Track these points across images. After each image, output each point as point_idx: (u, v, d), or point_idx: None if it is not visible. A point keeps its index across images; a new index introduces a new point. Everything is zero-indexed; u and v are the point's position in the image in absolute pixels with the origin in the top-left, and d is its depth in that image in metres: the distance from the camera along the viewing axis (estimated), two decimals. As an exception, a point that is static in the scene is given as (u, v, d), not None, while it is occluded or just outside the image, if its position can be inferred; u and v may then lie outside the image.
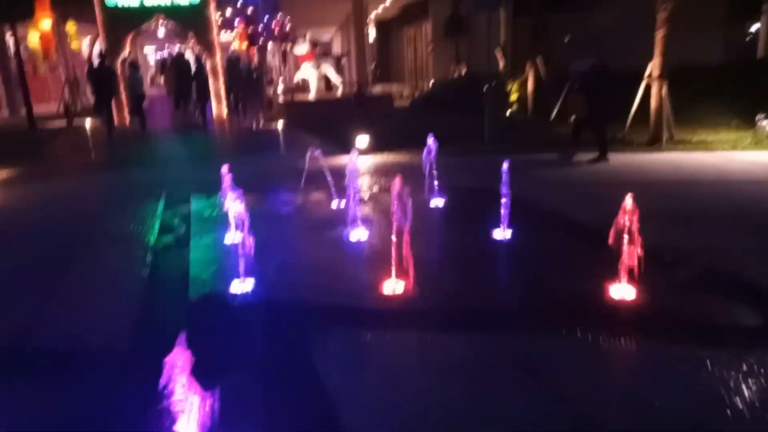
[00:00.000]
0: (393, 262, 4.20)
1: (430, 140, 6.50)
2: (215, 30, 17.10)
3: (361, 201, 6.55)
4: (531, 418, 2.69)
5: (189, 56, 18.39)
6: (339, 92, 16.97)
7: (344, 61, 23.45)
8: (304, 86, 17.78)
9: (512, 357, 3.24)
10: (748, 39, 18.19)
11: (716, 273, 4.35)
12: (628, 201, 3.81)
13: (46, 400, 3.00)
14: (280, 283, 4.44)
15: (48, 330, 3.87)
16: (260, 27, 25.47)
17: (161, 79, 16.83)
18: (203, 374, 2.18)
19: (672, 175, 7.73)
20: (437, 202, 6.60)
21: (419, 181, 6.70)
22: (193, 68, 16.39)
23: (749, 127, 10.29)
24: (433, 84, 20.15)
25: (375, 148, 10.18)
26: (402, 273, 4.19)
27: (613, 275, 3.94)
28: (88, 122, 13.48)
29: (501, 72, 15.44)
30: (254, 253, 4.24)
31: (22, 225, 6.62)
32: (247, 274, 4.37)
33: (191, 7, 16.49)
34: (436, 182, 6.60)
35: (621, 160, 8.86)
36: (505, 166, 5.14)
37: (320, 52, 17.34)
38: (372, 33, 31.23)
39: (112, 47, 16.21)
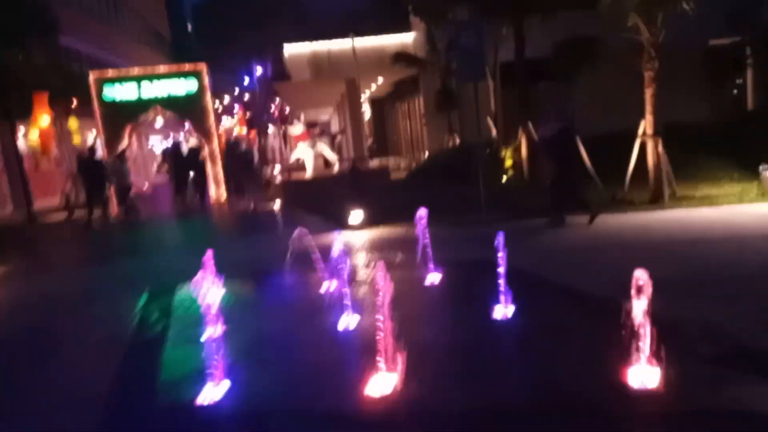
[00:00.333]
0: (381, 357, 3.78)
1: (421, 213, 6.22)
2: (212, 117, 17.38)
3: (351, 283, 6.18)
4: None
5: (191, 142, 18.62)
6: (335, 169, 17.02)
7: (339, 138, 23.78)
8: (302, 165, 17.88)
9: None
10: (734, 92, 18.38)
11: (748, 348, 3.89)
12: (641, 275, 3.41)
13: None
14: (257, 386, 4.01)
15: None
16: (260, 111, 26.11)
17: (165, 168, 17.15)
18: None
19: (680, 235, 7.37)
20: (433, 278, 6.23)
21: (413, 257, 6.40)
22: (191, 154, 16.54)
23: (752, 179, 10.02)
24: (428, 155, 20.24)
25: (370, 222, 9.92)
26: (391, 367, 3.77)
27: (629, 357, 3.51)
28: (95, 214, 13.48)
29: (494, 139, 15.45)
30: (233, 350, 3.86)
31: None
32: (222, 376, 3.96)
33: (187, 96, 16.84)
34: (430, 257, 6.26)
35: (624, 220, 8.55)
36: (500, 238, 4.81)
37: (318, 132, 17.56)
38: (367, 111, 32.00)
39: (111, 139, 16.44)
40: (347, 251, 6.98)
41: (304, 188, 15.25)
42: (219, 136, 18.33)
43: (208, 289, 4.56)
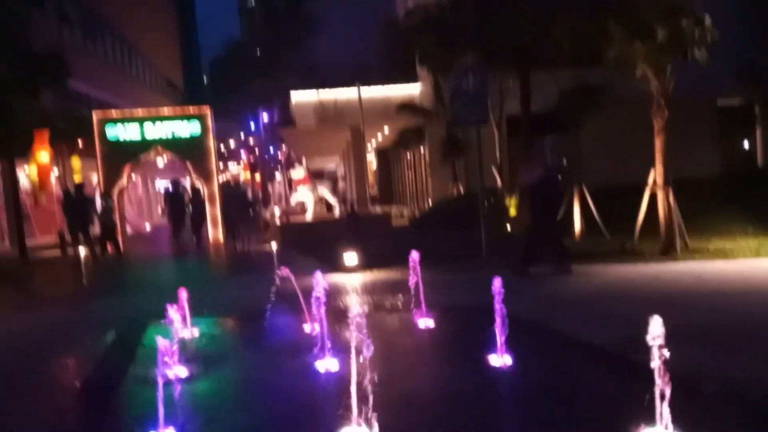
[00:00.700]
0: (358, 407, 3.25)
1: (414, 256, 5.78)
2: (213, 159, 17.24)
3: (336, 325, 5.67)
4: None
5: (190, 183, 18.47)
6: (336, 213, 16.72)
7: (343, 186, 23.59)
8: (303, 209, 17.62)
9: None
10: (745, 149, 18.20)
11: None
12: (656, 325, 2.91)
13: None
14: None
15: None
16: (266, 157, 26.12)
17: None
18: None
19: (696, 287, 6.84)
20: (426, 323, 5.71)
21: (407, 300, 5.94)
22: (190, 195, 16.33)
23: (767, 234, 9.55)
24: (431, 204, 19.93)
25: (366, 265, 9.45)
26: (368, 419, 3.24)
27: (644, 416, 2.97)
28: (82, 251, 13.05)
29: (499, 188, 15.15)
30: (191, 395, 3.35)
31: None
32: (170, 423, 3.43)
33: (190, 138, 16.76)
34: (423, 301, 5.77)
35: (634, 270, 8.04)
36: (497, 283, 4.32)
37: (326, 178, 17.37)
38: (373, 161, 32.02)
39: (109, 178, 16.26)
40: (337, 293, 6.54)
41: (302, 231, 14.90)
42: (220, 179, 18.13)
43: (176, 330, 4.12)
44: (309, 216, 16.28)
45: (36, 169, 17.14)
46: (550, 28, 11.04)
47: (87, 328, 6.72)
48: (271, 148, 29.22)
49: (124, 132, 16.34)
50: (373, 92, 19.89)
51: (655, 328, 2.89)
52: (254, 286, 8.92)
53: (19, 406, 4.31)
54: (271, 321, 6.22)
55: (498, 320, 4.34)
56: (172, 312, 4.43)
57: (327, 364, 4.53)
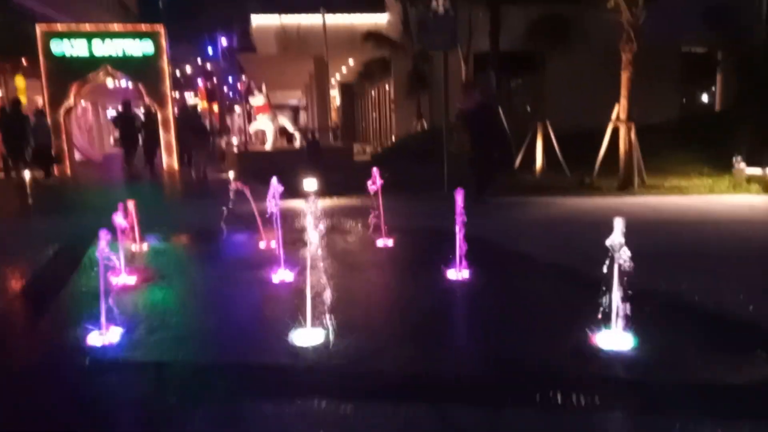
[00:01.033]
0: (311, 308, 3.15)
1: (374, 171, 5.63)
2: (168, 82, 16.35)
3: (293, 243, 5.52)
4: None
5: (140, 112, 17.57)
6: (297, 144, 16.25)
7: (303, 114, 22.94)
8: (263, 140, 17.06)
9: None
10: (704, 96, 18.47)
11: (723, 318, 3.41)
12: (618, 225, 2.90)
13: None
14: (157, 335, 3.32)
15: None
16: (224, 87, 25.06)
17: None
18: None
19: (651, 217, 6.93)
20: (385, 242, 5.62)
21: (366, 224, 5.85)
22: (142, 120, 15.56)
23: (722, 174, 9.75)
24: (395, 140, 19.67)
25: (325, 193, 9.25)
26: (322, 319, 3.14)
27: (596, 321, 2.97)
28: (27, 173, 12.32)
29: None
30: (141, 299, 3.17)
31: None
32: (113, 322, 3.25)
33: (144, 58, 15.78)
34: (383, 222, 5.66)
35: (592, 203, 8.11)
36: (458, 203, 4.22)
37: (287, 109, 16.71)
38: (337, 97, 31.19)
39: (55, 97, 15.30)
40: (294, 215, 6.37)
41: (260, 159, 14.42)
42: (175, 103, 17.29)
43: (124, 243, 3.87)
44: (269, 146, 15.79)
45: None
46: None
47: (27, 241, 6.37)
48: (230, 78, 28.05)
49: (71, 48, 15.25)
50: (338, 20, 19.11)
51: (612, 240, 2.89)
52: (207, 210, 8.64)
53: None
54: (225, 239, 6.03)
55: (457, 239, 4.27)
56: (120, 221, 4.18)
57: (282, 276, 4.41)
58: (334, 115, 27.29)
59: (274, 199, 4.31)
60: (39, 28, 15.45)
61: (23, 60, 19.69)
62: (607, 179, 9.56)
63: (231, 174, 11.02)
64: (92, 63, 15.43)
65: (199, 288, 4.40)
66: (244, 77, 25.54)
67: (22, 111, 13.17)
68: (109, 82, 16.30)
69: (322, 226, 3.25)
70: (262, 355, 2.97)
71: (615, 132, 9.51)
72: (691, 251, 5.07)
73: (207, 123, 17.58)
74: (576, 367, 2.74)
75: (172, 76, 17.46)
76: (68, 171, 15.69)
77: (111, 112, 36.01)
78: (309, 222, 3.22)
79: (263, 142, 17.10)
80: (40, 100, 22.06)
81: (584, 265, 4.43)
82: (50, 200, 11.07)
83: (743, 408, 2.33)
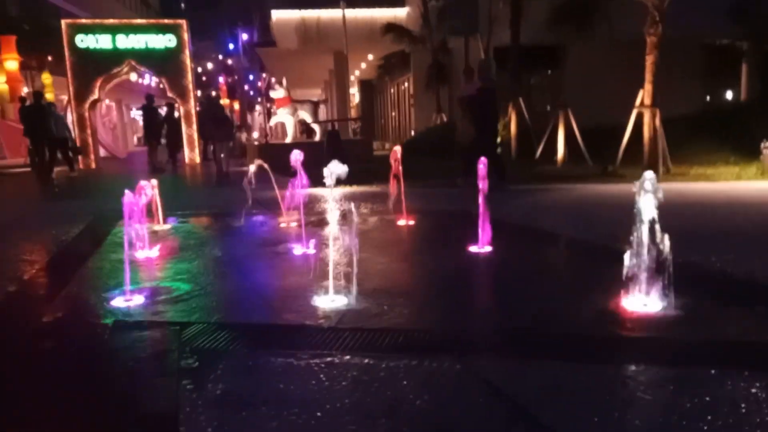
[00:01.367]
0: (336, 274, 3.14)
1: (397, 149, 5.62)
2: (189, 75, 16.54)
3: (315, 223, 5.53)
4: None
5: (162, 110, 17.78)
6: (317, 138, 16.29)
7: (322, 108, 22.98)
8: (283, 133, 17.16)
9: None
10: (729, 89, 18.14)
11: (756, 286, 3.32)
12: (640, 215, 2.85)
13: None
14: (179, 299, 3.34)
15: None
16: (245, 86, 25.23)
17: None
18: None
19: (677, 200, 6.78)
20: (406, 221, 5.60)
21: (386, 207, 5.91)
22: (164, 114, 15.75)
23: (749, 162, 9.54)
24: (414, 134, 19.63)
25: (345, 182, 9.26)
26: (347, 285, 3.13)
27: (623, 286, 2.91)
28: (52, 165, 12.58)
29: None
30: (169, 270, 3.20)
31: None
32: (138, 288, 3.29)
33: (166, 51, 16.00)
34: (403, 206, 5.64)
35: (615, 188, 7.99)
36: (481, 171, 4.19)
37: (311, 109, 16.74)
38: (356, 94, 31.23)
39: (80, 91, 15.58)
40: (315, 200, 6.40)
41: (280, 151, 14.49)
42: (197, 99, 17.45)
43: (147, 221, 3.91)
44: (289, 139, 15.86)
45: (4, 78, 16.28)
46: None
47: (53, 221, 6.48)
48: (251, 76, 28.26)
49: (95, 42, 15.51)
50: (358, 14, 19.12)
51: (640, 216, 2.85)
52: (228, 196, 8.73)
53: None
54: (247, 218, 6.07)
55: (479, 218, 4.22)
56: (143, 200, 4.25)
57: (304, 250, 4.41)
58: (353, 113, 27.33)
59: (296, 168, 4.33)
60: (64, 23, 15.75)
61: (49, 57, 20.11)
62: (631, 167, 9.40)
63: (251, 167, 11.15)
64: (116, 57, 15.68)
65: (221, 260, 4.42)
66: (264, 74, 25.71)
67: (44, 104, 13.34)
68: (133, 77, 16.53)
69: (344, 206, 3.24)
70: (286, 316, 2.96)
71: (638, 120, 9.37)
72: (720, 230, 4.96)
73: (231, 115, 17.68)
74: (602, 323, 2.69)
75: (194, 72, 17.63)
76: (93, 164, 15.98)
77: (135, 113, 36.66)
78: (330, 207, 3.21)
79: (284, 135, 17.19)
80: (49, 95, 22.52)
81: (608, 241, 4.38)
82: (75, 187, 11.27)
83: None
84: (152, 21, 17.67)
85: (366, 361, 2.31)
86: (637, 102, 9.28)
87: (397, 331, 2.68)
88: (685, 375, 2.15)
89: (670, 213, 3.26)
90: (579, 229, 5.15)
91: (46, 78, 21.68)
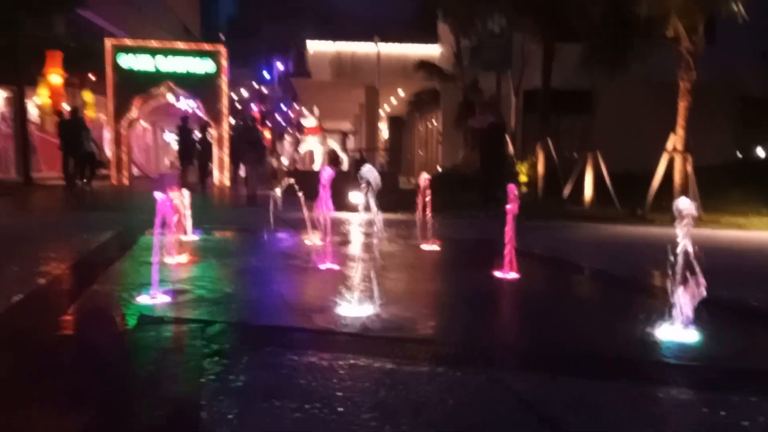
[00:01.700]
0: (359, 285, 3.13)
1: (424, 176, 5.65)
2: (225, 100, 17.00)
3: (341, 242, 5.55)
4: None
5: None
6: (344, 167, 16.51)
7: (351, 139, 23.30)
8: (311, 160, 17.42)
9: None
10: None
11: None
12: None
13: None
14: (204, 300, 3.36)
15: None
16: (278, 115, 25.77)
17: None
18: None
19: (707, 244, 6.63)
20: (431, 246, 5.58)
21: (412, 232, 5.93)
22: (198, 135, 16.13)
23: (783, 214, 9.36)
24: (440, 170, 19.72)
25: (370, 208, 9.31)
26: (370, 296, 3.12)
27: (652, 316, 2.85)
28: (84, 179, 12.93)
29: (511, 155, 14.90)
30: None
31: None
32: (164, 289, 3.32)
33: (204, 75, 16.51)
34: (428, 232, 5.64)
35: (644, 231, 7.88)
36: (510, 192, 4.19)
37: (340, 139, 17.03)
38: (385, 130, 31.64)
39: (119, 109, 16.09)
40: (341, 223, 6.46)
41: (308, 177, 14.70)
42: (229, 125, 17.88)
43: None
44: (317, 166, 16.10)
45: (48, 91, 16.88)
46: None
47: (84, 228, 6.62)
48: (283, 105, 28.89)
49: (137, 62, 16.09)
50: (391, 49, 19.53)
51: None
52: (256, 215, 8.84)
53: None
54: (273, 234, 6.14)
55: (505, 245, 4.19)
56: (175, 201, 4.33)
57: (328, 265, 4.42)
58: (381, 147, 27.65)
59: (325, 184, 4.37)
60: (108, 42, 16.39)
61: (91, 75, 20.84)
62: (661, 213, 9.28)
63: (278, 189, 11.30)
64: (156, 78, 16.22)
65: (246, 269, 4.45)
66: (295, 105, 26.26)
67: (79, 118, 13.71)
68: (170, 98, 17.08)
69: (369, 229, 3.26)
70: (309, 321, 2.95)
71: (669, 166, 9.28)
72: (752, 270, 4.85)
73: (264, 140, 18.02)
74: (631, 348, 2.62)
75: (229, 97, 18.14)
76: (126, 181, 16.35)
77: (168, 136, 37.65)
78: (355, 228, 3.23)
79: (311, 164, 17.44)
80: (90, 113, 23.21)
81: (636, 274, 4.32)
82: (107, 200, 11.53)
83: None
84: (192, 45, 18.26)
85: (389, 366, 2.28)
86: (669, 146, 9.22)
87: (422, 341, 2.65)
88: (707, 397, 2.08)
89: (703, 255, 3.24)
90: (606, 262, 5.07)
91: (88, 96, 22.43)
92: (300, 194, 5.84)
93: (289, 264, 4.63)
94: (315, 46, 19.74)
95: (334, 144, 16.55)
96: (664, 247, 2.84)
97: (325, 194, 4.55)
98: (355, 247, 5.44)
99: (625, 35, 10.33)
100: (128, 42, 16.96)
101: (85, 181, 13.67)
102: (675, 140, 9.10)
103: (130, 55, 16.12)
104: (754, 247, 6.54)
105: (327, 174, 4.48)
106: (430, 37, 20.04)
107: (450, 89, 18.70)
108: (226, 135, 16.69)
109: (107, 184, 14.92)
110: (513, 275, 4.20)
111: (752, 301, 3.66)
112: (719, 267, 4.81)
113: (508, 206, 4.22)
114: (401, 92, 23.05)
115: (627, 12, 9.04)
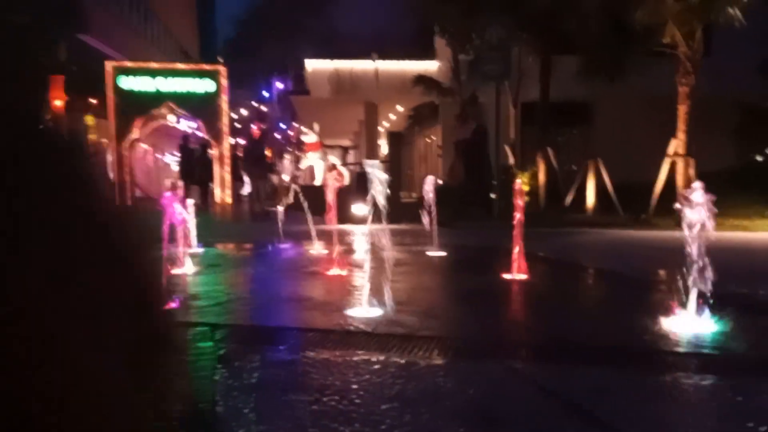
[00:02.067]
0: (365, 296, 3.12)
1: (429, 179, 5.66)
2: (225, 119, 17.08)
3: (346, 251, 5.54)
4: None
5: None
6: (345, 182, 16.53)
7: (351, 154, 23.40)
8: (311, 176, 17.48)
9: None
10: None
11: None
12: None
13: None
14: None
15: None
16: (276, 131, 25.90)
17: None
18: None
19: (716, 246, 6.63)
20: (436, 252, 5.57)
21: (418, 240, 5.94)
22: (198, 152, 16.22)
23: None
24: (441, 183, 19.74)
25: (374, 219, 9.32)
26: (379, 298, 3.11)
27: (662, 310, 2.84)
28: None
29: (511, 166, 14.93)
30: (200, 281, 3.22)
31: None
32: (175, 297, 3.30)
33: (204, 95, 16.61)
34: (433, 240, 5.63)
35: (650, 234, 7.87)
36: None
37: (341, 154, 17.11)
38: (383, 145, 31.76)
39: (120, 130, 16.16)
40: (345, 233, 6.46)
41: (310, 192, 14.71)
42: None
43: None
44: (318, 182, 16.14)
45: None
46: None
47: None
48: (282, 125, 29.06)
49: (137, 83, 16.22)
50: (389, 66, 19.70)
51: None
52: (260, 229, 8.84)
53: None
54: (279, 246, 6.12)
55: (513, 249, 4.17)
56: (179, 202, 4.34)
57: (336, 272, 4.40)
58: (381, 162, 27.76)
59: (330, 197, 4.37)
60: (108, 64, 16.51)
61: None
62: (664, 218, 9.26)
63: (281, 205, 11.34)
64: (156, 98, 16.29)
65: (255, 277, 4.44)
66: (294, 124, 26.42)
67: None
68: (171, 118, 17.17)
69: (372, 239, 3.27)
70: (321, 322, 2.93)
71: (671, 171, 9.29)
72: (756, 269, 4.83)
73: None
74: (644, 337, 2.60)
75: (229, 116, 18.23)
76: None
77: (168, 158, 37.81)
78: (360, 238, 3.25)
79: (311, 179, 17.49)
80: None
81: (642, 275, 4.30)
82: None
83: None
84: (192, 66, 18.43)
85: (408, 360, 2.26)
86: (670, 150, 9.24)
87: (435, 338, 2.62)
88: (721, 383, 2.06)
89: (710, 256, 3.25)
90: (612, 264, 5.05)
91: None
92: (305, 206, 5.86)
93: (298, 272, 4.61)
94: (313, 65, 19.92)
95: (334, 159, 16.60)
96: (671, 248, 2.83)
97: (328, 211, 4.55)
98: (361, 253, 5.46)
99: (623, 46, 10.41)
100: (129, 64, 17.11)
101: None
102: (676, 144, 9.12)
103: (131, 77, 16.24)
104: (759, 247, 6.53)
105: (333, 186, 4.47)
106: (428, 54, 20.24)
107: (448, 103, 18.80)
108: (227, 153, 16.74)
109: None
110: (520, 276, 4.19)
111: (753, 294, 3.64)
112: (727, 265, 4.81)
113: (516, 215, 4.24)
114: (400, 108, 23.20)
115: (624, 23, 9.12)
